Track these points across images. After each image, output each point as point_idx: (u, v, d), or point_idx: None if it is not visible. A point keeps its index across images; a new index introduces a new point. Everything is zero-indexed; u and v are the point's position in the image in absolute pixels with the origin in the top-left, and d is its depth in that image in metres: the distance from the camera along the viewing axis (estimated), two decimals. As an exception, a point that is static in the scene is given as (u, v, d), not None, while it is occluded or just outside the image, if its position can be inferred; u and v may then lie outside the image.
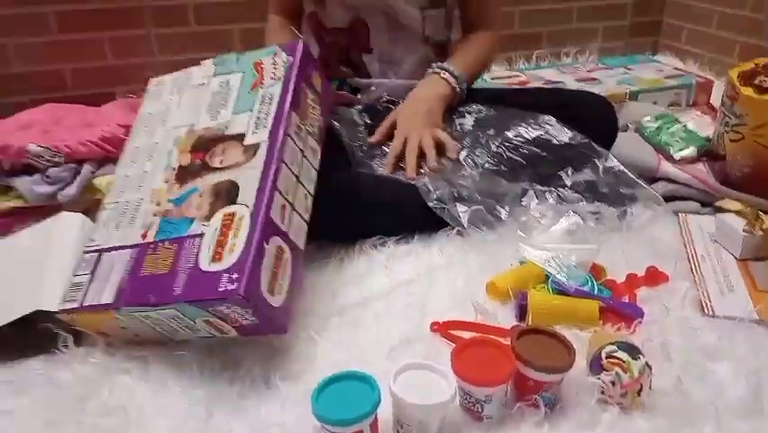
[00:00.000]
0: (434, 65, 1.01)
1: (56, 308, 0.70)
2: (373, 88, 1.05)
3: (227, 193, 0.66)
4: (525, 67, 1.65)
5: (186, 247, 0.63)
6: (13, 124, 1.01)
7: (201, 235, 0.64)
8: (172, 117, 0.80)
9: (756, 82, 1.00)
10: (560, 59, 1.76)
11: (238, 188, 0.66)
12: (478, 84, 1.09)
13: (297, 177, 0.72)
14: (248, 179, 0.66)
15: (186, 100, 0.81)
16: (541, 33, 1.75)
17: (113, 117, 1.08)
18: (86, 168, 0.97)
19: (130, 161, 0.79)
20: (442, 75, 0.99)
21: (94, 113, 1.10)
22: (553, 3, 1.72)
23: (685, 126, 1.15)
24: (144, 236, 0.67)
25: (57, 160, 0.96)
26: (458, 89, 1.00)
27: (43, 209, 0.93)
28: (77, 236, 0.83)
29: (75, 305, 0.68)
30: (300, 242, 0.70)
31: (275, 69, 0.76)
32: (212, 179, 0.69)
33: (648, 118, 1.20)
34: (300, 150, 0.73)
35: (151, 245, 0.66)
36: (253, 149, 0.70)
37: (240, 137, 0.72)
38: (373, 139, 1.00)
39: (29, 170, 0.96)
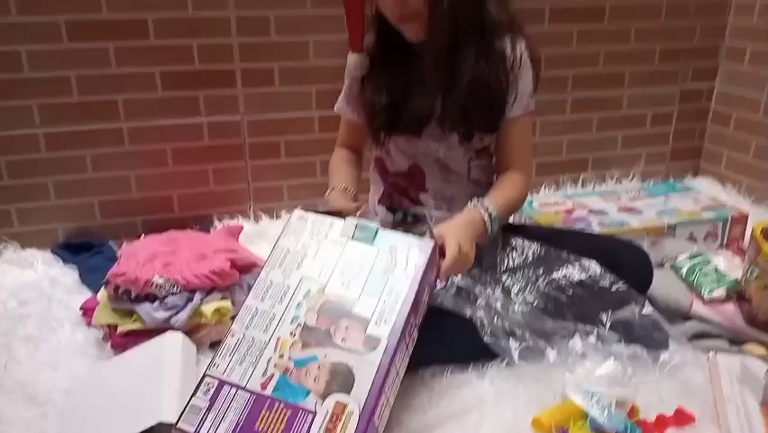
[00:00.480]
0: (475, 200, 1.09)
1: (174, 421, 0.83)
2: (430, 218, 1.20)
3: (343, 379, 0.79)
4: (572, 193, 1.80)
5: (299, 418, 0.77)
6: (143, 254, 1.23)
7: (314, 414, 0.77)
8: (307, 265, 0.92)
9: (777, 240, 1.13)
10: (605, 182, 1.92)
11: (353, 378, 0.79)
12: (529, 220, 1.22)
13: (398, 373, 0.84)
14: (363, 373, 0.79)
15: (322, 253, 0.93)
16: (587, 159, 1.92)
17: (218, 245, 1.30)
18: (197, 297, 1.17)
19: (262, 294, 0.90)
20: (482, 215, 1.07)
21: (204, 242, 1.32)
22: (598, 132, 1.89)
23: (716, 268, 1.28)
24: (264, 386, 0.82)
25: (174, 290, 1.16)
26: (489, 231, 1.09)
27: (155, 331, 1.12)
28: (180, 354, 1.03)
29: (191, 429, 0.81)
30: (382, 425, 0.82)
31: (407, 263, 0.89)
32: (332, 354, 0.82)
33: (683, 257, 1.33)
34: (407, 345, 0.86)
35: (269, 401, 0.79)
36: (373, 343, 0.82)
37: (364, 322, 0.85)
38: None
39: (150, 297, 1.16)
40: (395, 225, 1.19)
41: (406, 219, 1.24)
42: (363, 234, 0.93)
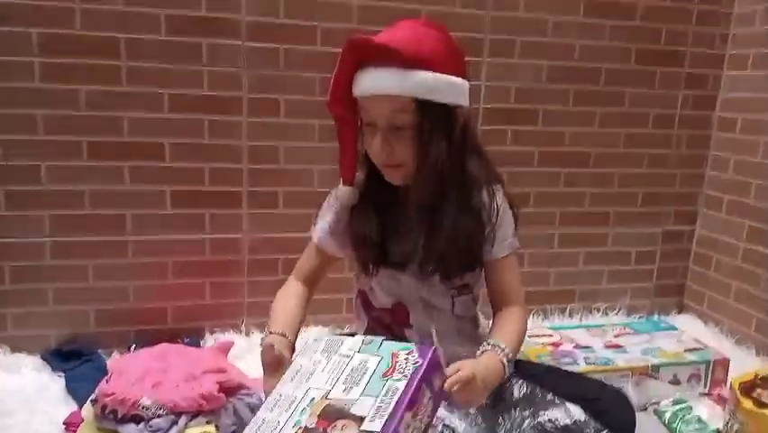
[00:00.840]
0: (491, 342, 1.10)
1: None
2: (435, 332, 1.22)
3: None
4: (559, 325, 1.85)
5: None
6: (134, 372, 1.24)
7: None
8: (315, 377, 0.95)
9: (755, 395, 1.16)
10: (591, 313, 1.97)
11: None
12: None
13: None
14: None
15: (330, 365, 0.96)
16: (574, 291, 1.98)
17: (208, 364, 1.32)
18: (182, 420, 1.17)
19: (271, 405, 0.93)
20: (501, 358, 1.07)
21: (194, 360, 1.34)
22: (585, 265, 1.96)
23: (699, 417, 1.30)
24: None
25: (161, 412, 1.17)
26: (506, 372, 1.09)
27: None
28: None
29: None
30: None
31: (406, 365, 0.91)
32: None
33: (666, 402, 1.35)
34: None
35: None
36: None
37: (360, 419, 0.86)
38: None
39: (136, 418, 1.16)
40: None
41: None
42: (369, 347, 0.97)
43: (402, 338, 1.22)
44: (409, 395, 0.87)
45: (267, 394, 0.98)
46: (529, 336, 1.70)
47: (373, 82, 1.01)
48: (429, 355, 0.92)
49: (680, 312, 2.07)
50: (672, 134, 1.94)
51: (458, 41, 1.04)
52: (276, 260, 1.69)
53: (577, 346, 1.65)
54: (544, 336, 1.72)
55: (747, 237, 1.84)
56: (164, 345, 1.42)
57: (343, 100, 1.05)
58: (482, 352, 1.08)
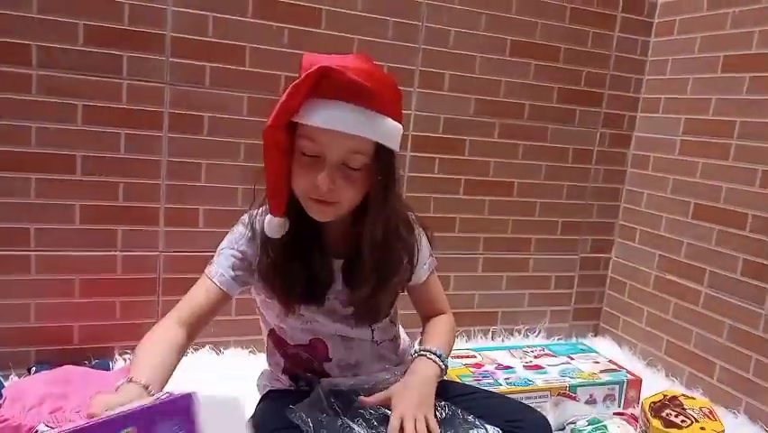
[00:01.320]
0: (416, 348, 1.12)
1: None
2: (338, 386, 1.16)
3: None
4: (481, 347, 1.86)
5: None
6: (31, 396, 1.15)
7: None
8: None
9: (664, 415, 1.20)
10: (512, 335, 2.01)
11: None
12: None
13: None
14: None
15: None
16: (496, 313, 2.01)
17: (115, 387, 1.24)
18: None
19: None
20: (428, 356, 1.09)
21: (100, 383, 1.26)
22: (507, 288, 2.01)
23: (612, 436, 1.33)
24: None
25: (60, 439, 1.08)
26: (443, 366, 1.11)
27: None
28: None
29: None
30: None
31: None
32: None
33: (582, 422, 1.38)
34: None
35: None
36: None
37: None
38: (366, 400, 1.07)
39: (33, 446, 1.08)
40: (299, 393, 1.13)
41: (311, 387, 1.17)
42: None
43: (322, 373, 1.18)
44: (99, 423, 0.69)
45: None
46: (452, 357, 1.71)
47: (339, 118, 0.94)
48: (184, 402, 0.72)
49: (596, 335, 2.15)
50: (589, 168, 2.04)
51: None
52: (193, 279, 1.61)
53: (498, 367, 1.68)
54: (466, 357, 1.74)
55: (658, 266, 1.94)
56: (67, 368, 1.33)
57: (287, 126, 0.97)
58: (412, 360, 1.10)
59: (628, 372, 1.71)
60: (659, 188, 1.96)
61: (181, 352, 1.01)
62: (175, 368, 0.97)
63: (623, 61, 1.99)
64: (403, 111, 1.01)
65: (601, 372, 1.69)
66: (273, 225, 1.02)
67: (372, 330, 1.18)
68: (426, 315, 1.24)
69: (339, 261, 1.09)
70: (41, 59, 1.41)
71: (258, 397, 1.24)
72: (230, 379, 1.53)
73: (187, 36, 1.51)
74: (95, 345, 1.56)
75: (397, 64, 1.72)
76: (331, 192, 0.98)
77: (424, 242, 1.18)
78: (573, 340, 2.07)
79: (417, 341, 1.19)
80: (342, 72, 0.91)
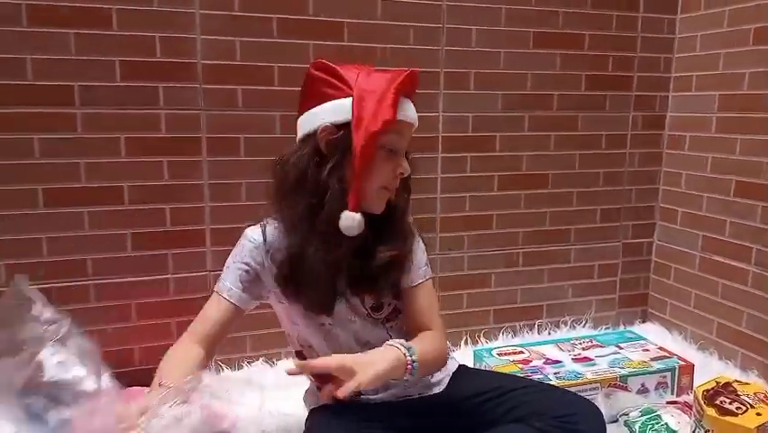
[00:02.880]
0: (392, 341, 1.09)
1: None
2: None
3: None
4: (528, 342, 1.87)
5: None
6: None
7: None
8: None
9: (718, 402, 1.19)
10: (559, 327, 2.00)
11: None
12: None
13: None
14: None
15: None
16: (541, 306, 2.01)
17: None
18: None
19: None
20: (396, 346, 1.08)
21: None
22: (549, 281, 2.00)
23: (667, 424, 1.33)
24: None
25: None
26: (410, 360, 1.06)
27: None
28: None
29: None
30: None
31: None
32: None
33: (635, 413, 1.38)
34: None
35: None
36: None
37: None
38: (312, 363, 1.06)
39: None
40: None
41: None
42: None
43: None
44: None
45: None
46: (499, 355, 1.72)
47: (411, 111, 1.13)
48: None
49: (644, 321, 2.12)
50: (624, 153, 2.01)
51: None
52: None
53: (547, 362, 1.68)
54: (514, 353, 1.75)
55: (702, 247, 1.91)
56: (131, 390, 1.39)
57: None
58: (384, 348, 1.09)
59: (679, 357, 1.70)
60: (698, 168, 1.92)
61: (202, 368, 1.11)
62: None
63: (650, 42, 1.96)
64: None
65: (652, 359, 1.68)
66: (357, 221, 1.07)
67: (387, 330, 1.20)
68: (413, 327, 1.21)
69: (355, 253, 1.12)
70: (83, 97, 1.48)
71: (305, 412, 1.27)
72: (286, 388, 1.59)
73: (216, 62, 1.56)
74: (155, 365, 1.62)
75: (422, 68, 1.71)
76: (403, 178, 1.13)
77: (421, 245, 1.23)
78: (621, 328, 2.05)
79: None
80: (415, 73, 1.10)
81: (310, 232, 1.09)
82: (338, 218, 1.07)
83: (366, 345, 1.16)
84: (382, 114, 1.05)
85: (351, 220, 1.07)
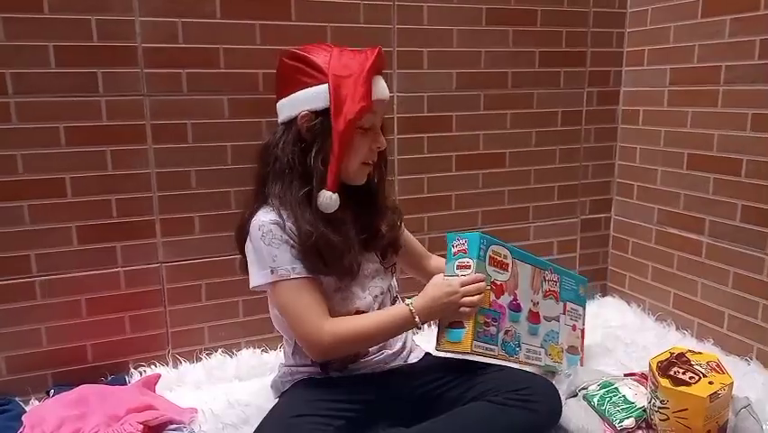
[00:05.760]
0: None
1: None
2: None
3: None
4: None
5: None
6: (50, 422, 1.18)
7: None
8: None
9: (671, 373, 1.21)
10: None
11: None
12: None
13: None
14: None
15: None
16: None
17: (132, 403, 1.27)
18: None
19: None
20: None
21: (117, 400, 1.28)
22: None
23: (624, 397, 1.34)
24: None
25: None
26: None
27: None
28: None
29: None
30: None
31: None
32: None
33: (594, 387, 1.39)
34: None
35: None
36: None
37: None
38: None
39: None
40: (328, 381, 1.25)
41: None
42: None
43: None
44: None
45: None
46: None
47: (384, 88, 1.22)
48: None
49: (603, 295, 2.15)
50: (580, 129, 2.02)
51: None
52: (197, 286, 1.64)
53: (513, 304, 1.67)
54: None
55: (658, 220, 1.94)
56: (82, 388, 1.35)
57: None
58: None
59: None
60: (651, 142, 1.94)
61: None
62: None
63: (602, 16, 1.96)
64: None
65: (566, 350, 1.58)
66: (334, 200, 1.16)
67: (392, 276, 1.35)
68: (423, 254, 1.49)
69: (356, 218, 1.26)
70: (16, 85, 1.40)
71: (272, 398, 1.29)
72: (247, 379, 1.57)
73: (158, 45, 1.50)
74: (109, 361, 1.58)
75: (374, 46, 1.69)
76: (380, 151, 1.23)
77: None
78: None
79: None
80: (381, 50, 1.18)
81: (314, 215, 1.16)
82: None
83: (378, 296, 1.28)
84: (359, 101, 1.13)
85: (328, 199, 1.16)
